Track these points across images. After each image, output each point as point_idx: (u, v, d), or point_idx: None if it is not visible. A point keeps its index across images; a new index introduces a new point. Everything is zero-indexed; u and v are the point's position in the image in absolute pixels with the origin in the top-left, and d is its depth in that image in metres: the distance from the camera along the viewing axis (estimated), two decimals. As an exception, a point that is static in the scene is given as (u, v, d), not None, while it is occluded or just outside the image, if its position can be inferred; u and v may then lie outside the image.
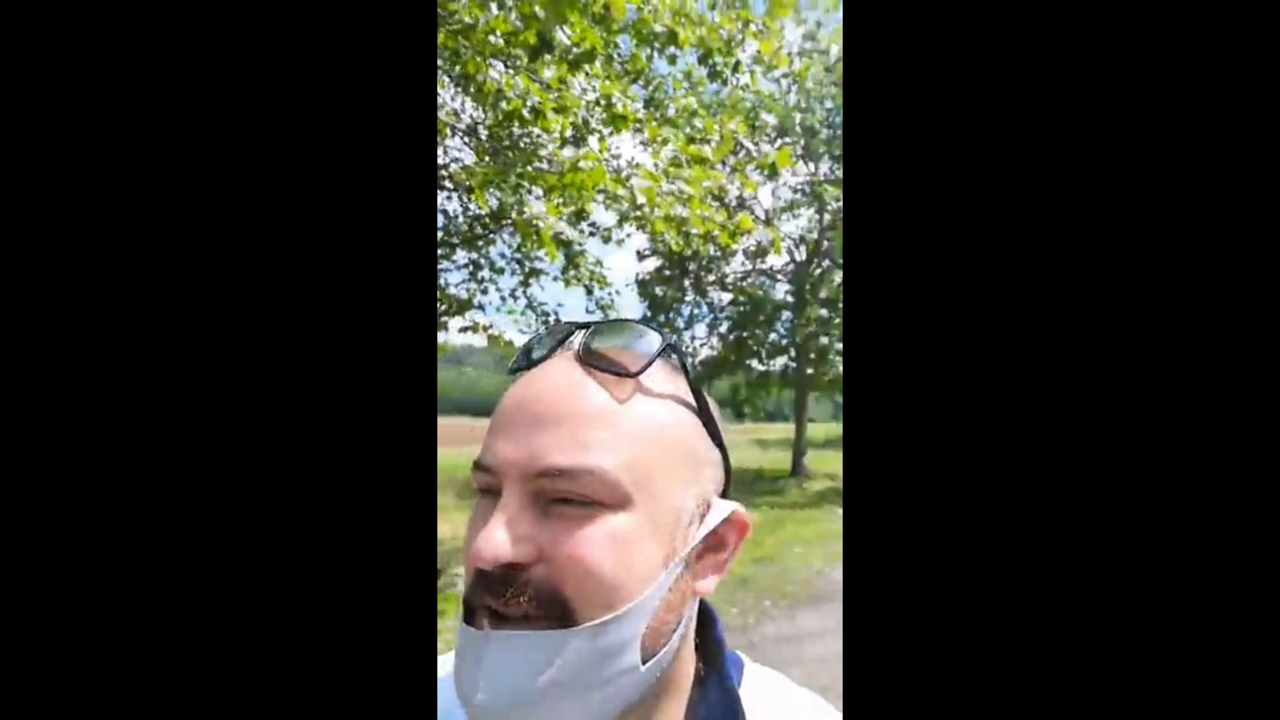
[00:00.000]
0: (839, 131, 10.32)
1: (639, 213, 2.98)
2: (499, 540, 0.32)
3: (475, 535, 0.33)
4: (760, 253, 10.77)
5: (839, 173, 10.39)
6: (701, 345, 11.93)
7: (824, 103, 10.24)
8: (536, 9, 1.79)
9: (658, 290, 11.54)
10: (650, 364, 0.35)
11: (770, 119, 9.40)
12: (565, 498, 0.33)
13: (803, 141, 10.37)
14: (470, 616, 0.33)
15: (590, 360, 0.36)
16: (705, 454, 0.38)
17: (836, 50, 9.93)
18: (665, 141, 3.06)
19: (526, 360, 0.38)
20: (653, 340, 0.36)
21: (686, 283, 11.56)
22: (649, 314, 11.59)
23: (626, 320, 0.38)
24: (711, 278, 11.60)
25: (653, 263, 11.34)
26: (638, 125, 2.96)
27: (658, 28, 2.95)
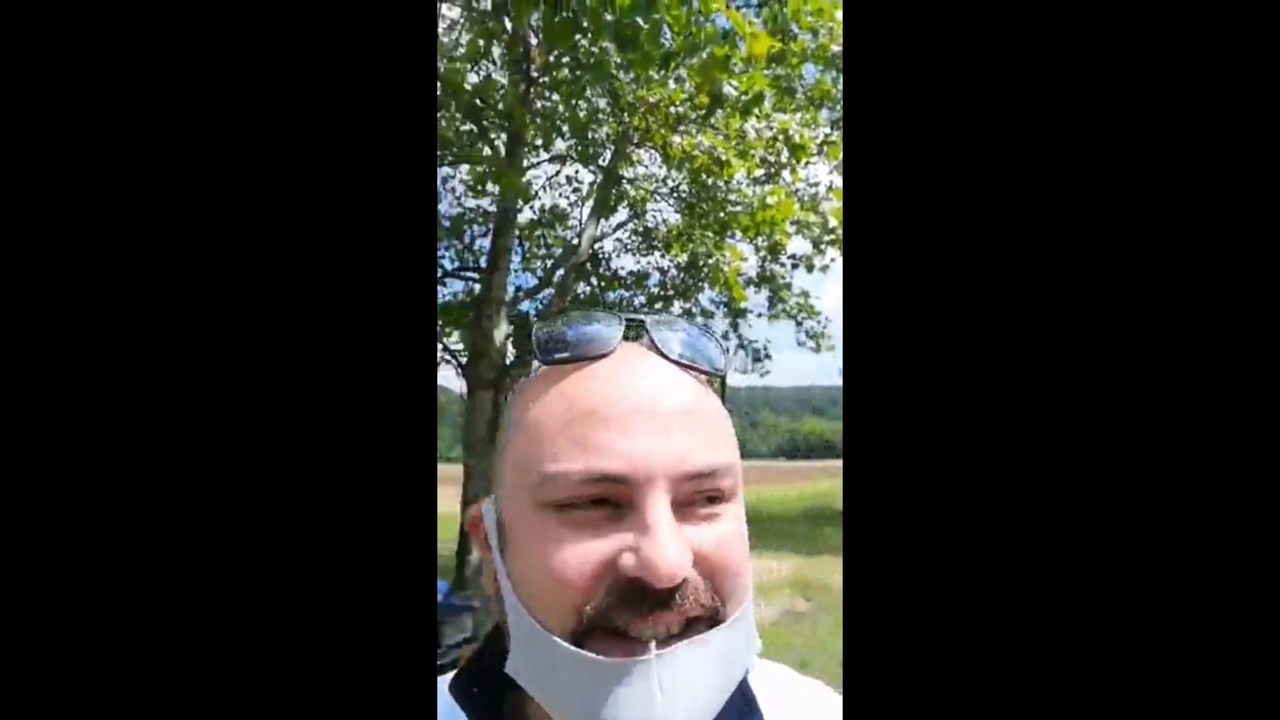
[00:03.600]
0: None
1: (831, 235, 2.92)
2: (677, 556, 0.30)
3: (593, 555, 0.31)
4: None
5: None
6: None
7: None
8: (684, 76, 1.98)
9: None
10: (729, 366, 0.37)
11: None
12: (708, 497, 0.32)
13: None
14: (589, 644, 0.30)
15: (679, 358, 0.35)
16: None
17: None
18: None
19: (574, 350, 0.35)
20: (715, 341, 0.37)
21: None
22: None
23: (680, 317, 0.38)
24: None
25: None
26: (821, 149, 2.95)
27: (835, 48, 2.94)
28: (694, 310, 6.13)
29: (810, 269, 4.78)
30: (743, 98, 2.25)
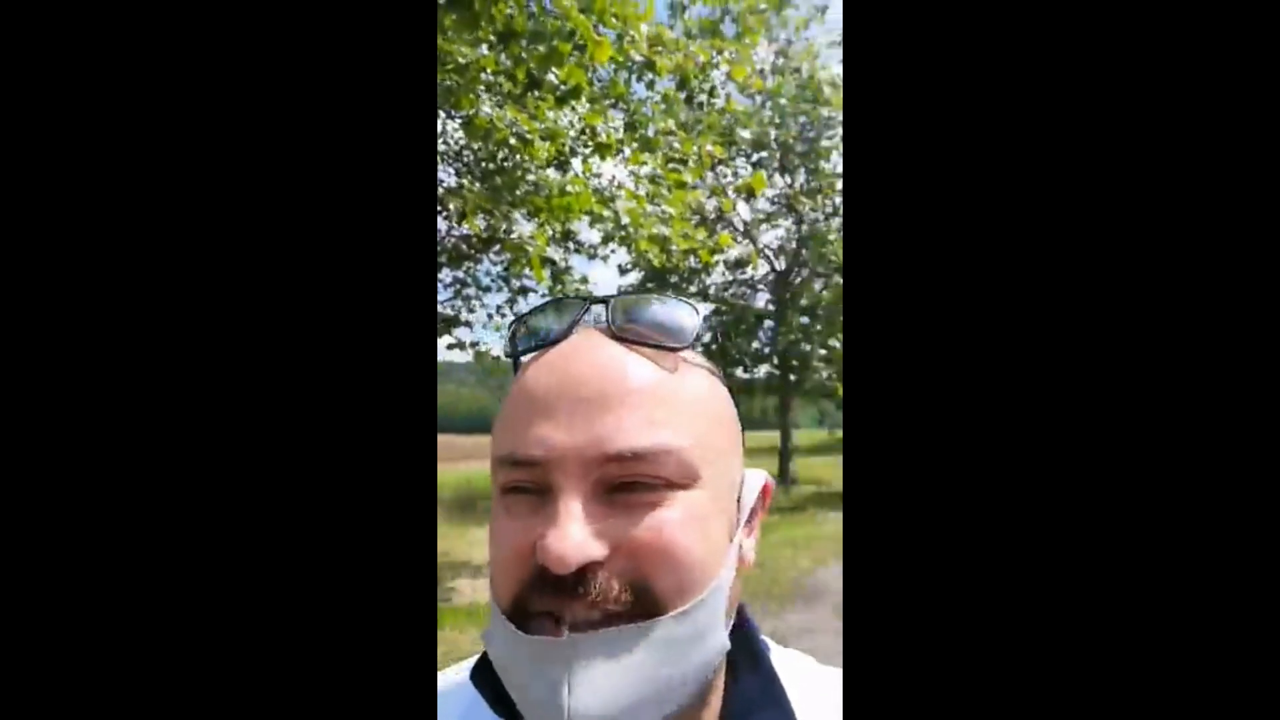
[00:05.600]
0: (813, 146, 10.63)
1: (624, 233, 3.13)
2: (578, 540, 0.29)
3: (517, 539, 0.31)
4: (740, 264, 11.01)
5: (813, 184, 10.69)
6: (685, 356, 12.02)
7: (797, 118, 10.55)
8: (525, 56, 1.94)
9: (641, 303, 11.64)
10: (696, 337, 0.34)
11: (746, 134, 9.68)
12: (633, 482, 0.31)
13: (779, 155, 10.67)
14: (525, 623, 0.31)
15: (627, 335, 0.34)
16: (736, 423, 0.37)
17: (808, 68, 10.25)
18: (644, 164, 3.24)
19: (536, 339, 0.35)
20: (684, 311, 0.35)
21: (669, 294, 11.70)
22: (633, 326, 11.60)
23: (652, 294, 0.36)
24: (693, 289, 11.80)
25: (635, 276, 11.52)
26: (620, 151, 3.13)
27: (636, 57, 3.12)
28: (468, 281, 5.89)
29: (592, 257, 5.01)
30: (561, 86, 2.25)
